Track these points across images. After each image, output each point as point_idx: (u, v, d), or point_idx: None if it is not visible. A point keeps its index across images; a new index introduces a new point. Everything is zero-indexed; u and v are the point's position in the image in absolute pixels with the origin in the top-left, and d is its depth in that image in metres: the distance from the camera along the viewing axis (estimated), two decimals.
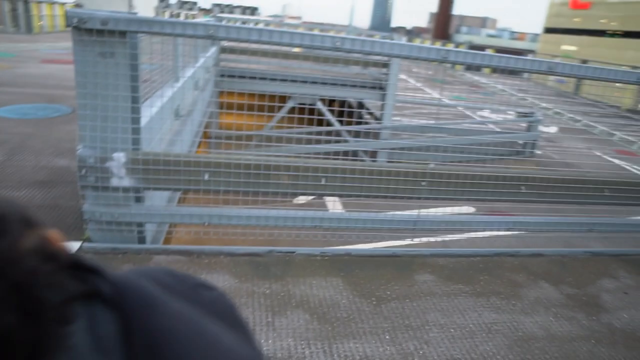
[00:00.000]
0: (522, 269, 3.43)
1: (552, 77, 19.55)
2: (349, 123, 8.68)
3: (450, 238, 4.64)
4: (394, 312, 2.75)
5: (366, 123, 9.37)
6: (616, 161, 8.92)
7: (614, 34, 22.93)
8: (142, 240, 3.27)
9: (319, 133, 7.61)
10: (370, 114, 9.97)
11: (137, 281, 0.52)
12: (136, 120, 2.99)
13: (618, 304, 3.13)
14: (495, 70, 3.29)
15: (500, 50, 25.85)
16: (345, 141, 7.89)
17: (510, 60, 3.12)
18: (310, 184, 3.17)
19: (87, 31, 2.69)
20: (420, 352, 2.44)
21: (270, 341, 2.40)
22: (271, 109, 8.07)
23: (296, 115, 7.97)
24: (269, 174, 3.07)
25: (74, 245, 3.12)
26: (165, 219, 3.33)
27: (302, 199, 5.43)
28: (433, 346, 2.50)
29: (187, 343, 0.46)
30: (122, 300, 0.48)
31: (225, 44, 8.74)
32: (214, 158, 3.04)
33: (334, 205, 4.47)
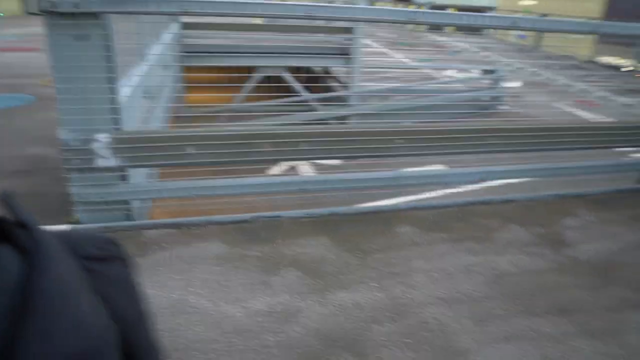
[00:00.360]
0: (494, 215, 3.67)
1: (513, 33, 19.86)
2: (317, 90, 8.74)
3: (427, 196, 4.84)
4: (379, 262, 2.95)
5: (334, 90, 9.44)
6: (576, 110, 9.30)
7: None
8: (130, 217, 3.36)
9: (291, 103, 7.68)
10: (337, 80, 10.03)
11: (52, 245, 0.54)
12: (115, 101, 3.03)
13: (580, 238, 3.41)
14: (458, 29, 3.40)
15: (461, 9, 25.94)
16: (315, 109, 7.96)
17: (477, 19, 3.28)
18: (290, 149, 3.30)
19: (59, 15, 2.69)
20: (408, 295, 2.65)
21: (267, 298, 2.57)
22: (238, 81, 8.04)
23: (264, 85, 7.97)
24: (252, 143, 3.18)
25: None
26: (152, 194, 3.41)
27: (278, 168, 5.54)
28: (418, 289, 2.71)
29: (48, 310, 0.50)
30: (32, 256, 0.52)
31: (187, 20, 8.56)
32: (196, 132, 3.12)
33: (309, 171, 4.62)
